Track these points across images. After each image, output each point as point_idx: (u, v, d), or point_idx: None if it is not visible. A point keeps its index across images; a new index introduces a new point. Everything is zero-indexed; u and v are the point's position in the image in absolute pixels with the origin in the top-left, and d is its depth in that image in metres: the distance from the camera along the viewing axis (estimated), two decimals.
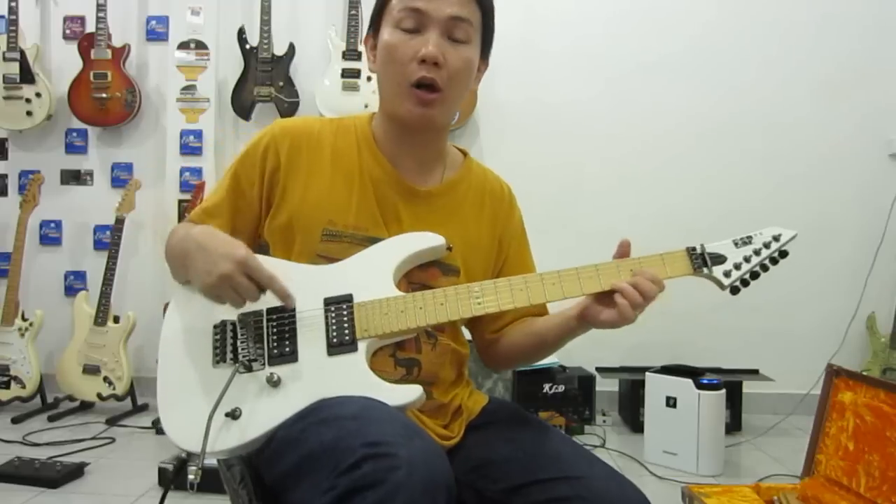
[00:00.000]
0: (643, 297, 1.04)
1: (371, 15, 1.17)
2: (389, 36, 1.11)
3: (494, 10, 1.16)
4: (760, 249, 1.11)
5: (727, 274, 1.09)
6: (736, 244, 1.11)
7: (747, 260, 1.10)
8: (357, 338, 1.03)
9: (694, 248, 1.10)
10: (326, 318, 1.05)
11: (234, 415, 0.99)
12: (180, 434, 1.02)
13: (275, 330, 1.05)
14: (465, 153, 1.28)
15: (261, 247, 1.18)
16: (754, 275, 1.10)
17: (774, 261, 1.11)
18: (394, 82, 1.12)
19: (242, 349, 1.05)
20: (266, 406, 1.00)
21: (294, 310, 1.07)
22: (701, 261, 1.09)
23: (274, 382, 1.00)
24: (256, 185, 1.16)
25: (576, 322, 1.12)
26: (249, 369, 1.03)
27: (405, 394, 0.99)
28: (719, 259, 1.10)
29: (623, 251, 1.10)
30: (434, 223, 1.15)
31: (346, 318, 1.04)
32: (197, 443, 0.98)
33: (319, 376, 1.01)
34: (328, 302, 1.06)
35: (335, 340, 1.03)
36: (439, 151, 1.22)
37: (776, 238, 1.11)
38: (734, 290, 1.11)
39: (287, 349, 1.04)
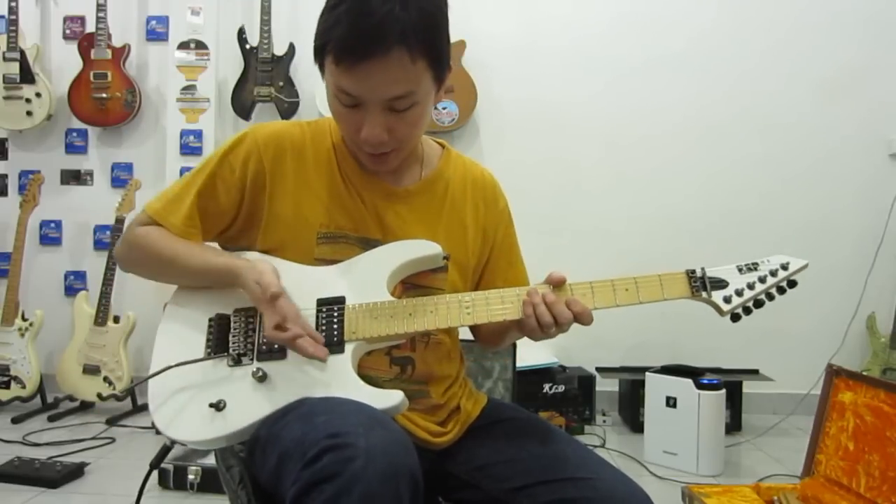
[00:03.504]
0: (554, 321, 1.03)
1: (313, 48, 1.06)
2: (332, 103, 1.06)
3: (441, 35, 1.03)
4: (766, 277, 1.06)
5: (727, 300, 1.06)
6: (740, 270, 1.07)
7: (750, 287, 1.06)
8: (345, 339, 1.03)
9: (694, 271, 1.07)
10: (317, 318, 1.06)
11: (218, 406, 1.00)
12: (166, 422, 1.02)
13: (267, 343, 1.06)
14: (443, 145, 1.26)
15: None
16: (758, 303, 1.06)
17: (782, 290, 1.07)
18: (346, 136, 1.11)
19: (233, 343, 1.05)
20: (250, 400, 1.00)
21: None
22: (700, 284, 1.06)
23: (259, 378, 1.01)
24: (234, 190, 1.13)
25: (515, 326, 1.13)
26: (238, 363, 1.03)
27: (386, 398, 0.98)
28: (720, 284, 1.06)
29: (554, 280, 1.07)
30: (416, 222, 1.16)
31: (336, 320, 1.05)
32: (181, 431, 1.00)
33: (304, 375, 1.01)
34: (321, 303, 1.07)
35: (323, 340, 1.03)
36: (414, 154, 1.21)
37: (784, 267, 1.07)
38: (734, 318, 1.07)
39: (276, 346, 1.04)
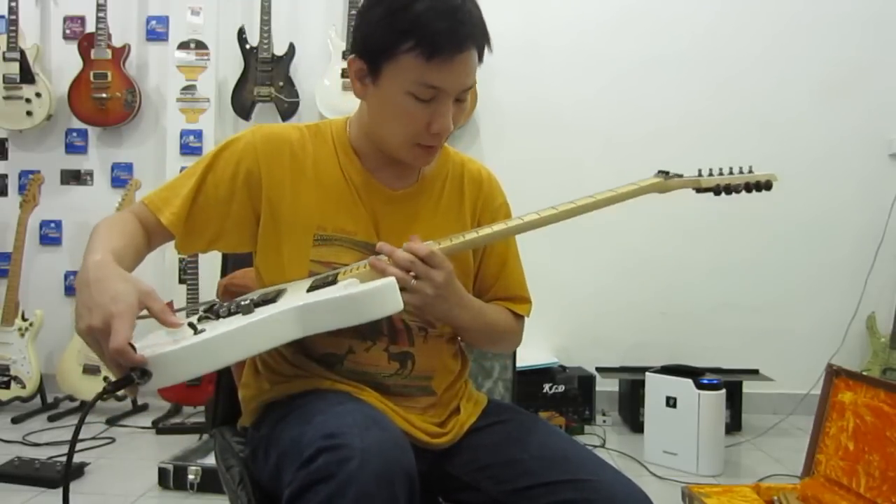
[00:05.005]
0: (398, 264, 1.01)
1: (368, 45, 1.07)
2: (401, 101, 1.05)
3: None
4: (732, 170, 1.15)
5: (700, 174, 1.14)
6: (700, 173, 1.16)
7: (720, 173, 1.14)
8: (339, 280, 1.02)
9: (663, 170, 1.15)
10: (312, 281, 1.06)
11: (195, 329, 0.92)
12: (143, 343, 0.92)
13: (261, 297, 1.04)
14: None
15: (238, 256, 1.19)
16: (729, 189, 1.13)
17: (758, 186, 1.15)
18: (398, 138, 1.10)
19: (227, 304, 1.03)
20: (230, 323, 0.95)
21: (284, 288, 1.06)
22: (673, 175, 1.14)
23: (245, 308, 0.97)
24: (223, 186, 1.13)
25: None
26: (228, 315, 0.99)
27: (373, 282, 0.93)
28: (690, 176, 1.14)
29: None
30: (414, 224, 1.16)
31: (329, 275, 1.05)
32: (154, 348, 0.88)
33: (296, 297, 0.99)
34: (316, 279, 1.07)
35: (315, 284, 1.03)
36: None
37: (750, 170, 1.15)
38: (716, 191, 1.13)
39: (269, 298, 1.02)
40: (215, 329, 0.91)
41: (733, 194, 1.14)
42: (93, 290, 0.88)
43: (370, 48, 1.06)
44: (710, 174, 1.14)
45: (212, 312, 1.01)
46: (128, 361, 0.84)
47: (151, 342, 0.93)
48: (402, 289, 0.95)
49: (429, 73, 1.02)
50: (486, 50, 1.09)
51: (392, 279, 0.94)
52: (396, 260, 1.00)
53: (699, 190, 1.14)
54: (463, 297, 1.10)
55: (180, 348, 0.87)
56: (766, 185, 1.14)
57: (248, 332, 0.91)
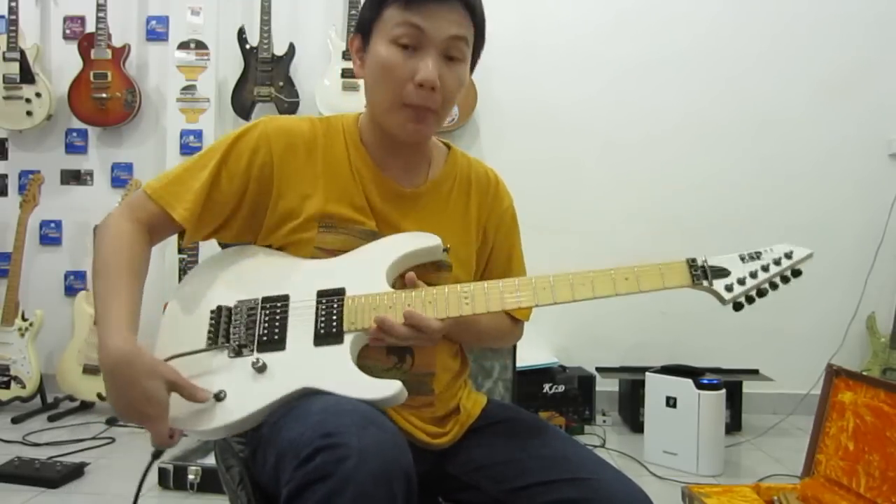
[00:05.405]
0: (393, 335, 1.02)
1: (361, 18, 1.13)
2: (385, 52, 1.07)
3: (485, 25, 1.13)
4: (769, 266, 1.04)
5: (729, 288, 1.03)
6: (742, 258, 1.05)
7: (753, 276, 1.03)
8: (344, 330, 1.03)
9: (694, 260, 1.04)
10: (317, 309, 1.06)
11: (218, 397, 1.00)
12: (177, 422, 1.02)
13: (266, 318, 1.06)
14: (448, 146, 1.27)
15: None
16: (761, 292, 1.04)
17: (786, 280, 1.05)
18: (386, 99, 1.10)
19: (234, 334, 1.05)
20: (250, 390, 1.00)
21: (288, 298, 1.07)
22: (702, 273, 1.03)
23: (259, 368, 1.01)
24: (238, 179, 1.13)
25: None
26: (239, 353, 1.03)
27: (382, 388, 0.97)
28: (722, 273, 1.03)
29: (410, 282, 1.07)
30: (420, 222, 1.16)
31: (335, 311, 1.05)
32: (181, 421, 1.00)
33: (303, 365, 1.01)
34: (321, 294, 1.07)
35: (322, 331, 1.03)
36: (425, 153, 1.22)
37: (788, 255, 1.04)
38: (737, 307, 1.04)
39: (276, 337, 1.04)
40: (232, 387, 1.01)
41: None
42: (124, 392, 0.97)
43: (362, 20, 1.13)
44: (743, 258, 1.04)
45: (221, 343, 1.05)
46: (167, 447, 1.00)
47: (177, 408, 1.00)
48: None
49: (408, 14, 1.06)
50: (478, 12, 1.10)
51: (399, 386, 0.97)
52: (397, 335, 1.01)
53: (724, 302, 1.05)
54: (452, 327, 1.09)
55: (208, 430, 0.99)
56: (795, 273, 1.05)
57: (262, 411, 0.99)
